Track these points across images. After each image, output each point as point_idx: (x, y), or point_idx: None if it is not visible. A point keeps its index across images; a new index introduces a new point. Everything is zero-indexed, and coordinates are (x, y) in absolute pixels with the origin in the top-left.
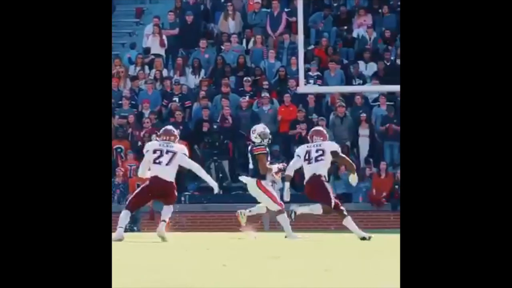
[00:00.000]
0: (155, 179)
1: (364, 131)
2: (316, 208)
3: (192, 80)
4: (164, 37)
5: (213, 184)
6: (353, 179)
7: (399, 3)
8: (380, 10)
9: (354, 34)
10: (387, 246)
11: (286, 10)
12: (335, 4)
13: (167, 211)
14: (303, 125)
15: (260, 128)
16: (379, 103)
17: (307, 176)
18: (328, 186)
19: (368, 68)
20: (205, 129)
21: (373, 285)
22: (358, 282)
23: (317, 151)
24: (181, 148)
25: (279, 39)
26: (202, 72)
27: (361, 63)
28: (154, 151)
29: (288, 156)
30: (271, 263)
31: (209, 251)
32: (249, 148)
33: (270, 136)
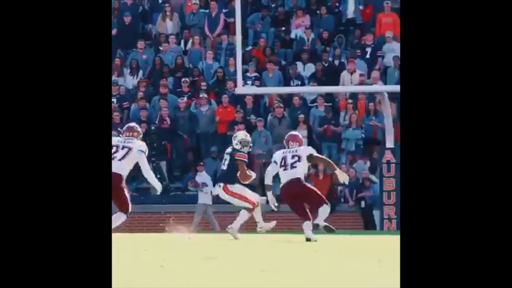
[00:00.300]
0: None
1: (302, 132)
2: (326, 211)
3: (130, 81)
4: None
5: (157, 185)
6: (341, 176)
7: (337, 4)
8: (318, 11)
9: (292, 35)
10: (328, 247)
11: (224, 11)
12: (273, 5)
13: (116, 218)
14: (241, 126)
15: (241, 135)
16: (317, 104)
17: (284, 181)
18: (310, 185)
19: (306, 69)
20: (143, 130)
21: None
22: (295, 282)
23: (292, 157)
24: (138, 145)
25: (217, 40)
26: (140, 73)
27: (299, 64)
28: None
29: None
30: (207, 264)
31: (147, 252)
32: (229, 150)
33: (251, 144)
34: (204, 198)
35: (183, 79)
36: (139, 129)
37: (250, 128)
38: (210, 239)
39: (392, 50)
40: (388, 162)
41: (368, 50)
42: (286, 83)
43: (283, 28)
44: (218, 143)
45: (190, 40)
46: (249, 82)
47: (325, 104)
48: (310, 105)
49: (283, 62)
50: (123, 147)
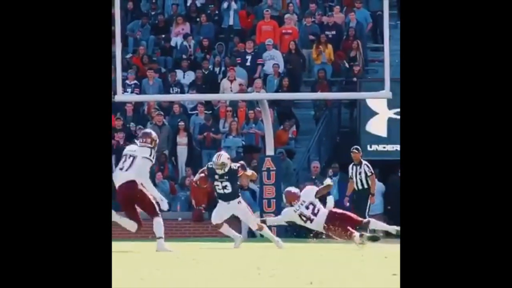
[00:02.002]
0: (119, 188)
1: (182, 139)
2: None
3: None
4: None
5: (160, 198)
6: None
7: (216, 12)
8: (198, 19)
9: (172, 43)
10: (209, 255)
11: None
12: (152, 13)
13: (156, 225)
14: (121, 134)
15: (224, 157)
16: (197, 111)
17: None
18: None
19: (186, 76)
20: None
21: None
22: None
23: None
24: (143, 152)
25: None
26: None
27: (179, 72)
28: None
29: None
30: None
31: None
32: (223, 173)
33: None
34: None
35: None
36: (153, 134)
37: (131, 137)
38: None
39: (272, 57)
40: (268, 170)
41: (248, 57)
42: (166, 91)
43: (163, 36)
44: None
45: None
46: (129, 89)
47: (205, 111)
48: (190, 112)
49: (163, 70)
50: (130, 156)
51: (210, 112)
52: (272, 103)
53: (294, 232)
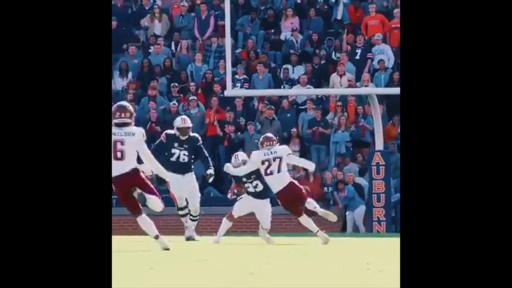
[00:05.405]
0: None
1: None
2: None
3: (119, 83)
4: None
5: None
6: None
7: (326, 7)
8: (307, 13)
9: (282, 37)
10: (317, 250)
11: (213, 13)
12: (262, 8)
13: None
14: (231, 127)
15: (243, 155)
16: (306, 106)
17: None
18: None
19: (295, 71)
20: None
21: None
22: (281, 285)
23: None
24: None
25: (206, 43)
26: (130, 75)
27: (288, 66)
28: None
29: (215, 158)
30: (197, 267)
31: (136, 254)
32: (256, 172)
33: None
34: None
35: (172, 84)
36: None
37: (241, 131)
38: (202, 243)
39: (382, 52)
40: (378, 164)
41: (358, 51)
42: (276, 86)
43: (272, 30)
44: (208, 146)
45: (179, 43)
46: (238, 84)
47: (314, 106)
48: (299, 107)
49: (273, 64)
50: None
51: (320, 106)
52: (382, 98)
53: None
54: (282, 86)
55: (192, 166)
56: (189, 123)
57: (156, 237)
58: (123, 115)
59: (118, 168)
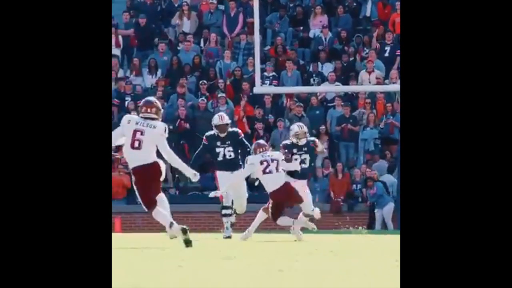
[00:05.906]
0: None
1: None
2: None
3: (148, 80)
4: (119, 37)
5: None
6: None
7: (354, 4)
8: (335, 10)
9: (310, 34)
10: (345, 246)
11: (242, 10)
12: (291, 5)
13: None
14: (260, 124)
15: (295, 128)
16: (335, 103)
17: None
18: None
19: (324, 68)
20: None
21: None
22: (311, 283)
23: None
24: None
25: (235, 40)
26: (159, 72)
27: (317, 64)
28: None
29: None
30: (225, 264)
31: (165, 252)
32: (303, 149)
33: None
34: None
35: (200, 81)
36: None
37: (270, 128)
38: (231, 239)
39: None
40: None
41: (387, 49)
42: (305, 83)
43: (301, 28)
44: None
45: (208, 40)
46: (267, 81)
47: (343, 103)
48: (328, 104)
49: (301, 62)
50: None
51: (348, 103)
52: None
53: None
54: (311, 83)
55: (240, 163)
56: (227, 120)
57: (171, 225)
58: (149, 110)
59: (135, 157)
